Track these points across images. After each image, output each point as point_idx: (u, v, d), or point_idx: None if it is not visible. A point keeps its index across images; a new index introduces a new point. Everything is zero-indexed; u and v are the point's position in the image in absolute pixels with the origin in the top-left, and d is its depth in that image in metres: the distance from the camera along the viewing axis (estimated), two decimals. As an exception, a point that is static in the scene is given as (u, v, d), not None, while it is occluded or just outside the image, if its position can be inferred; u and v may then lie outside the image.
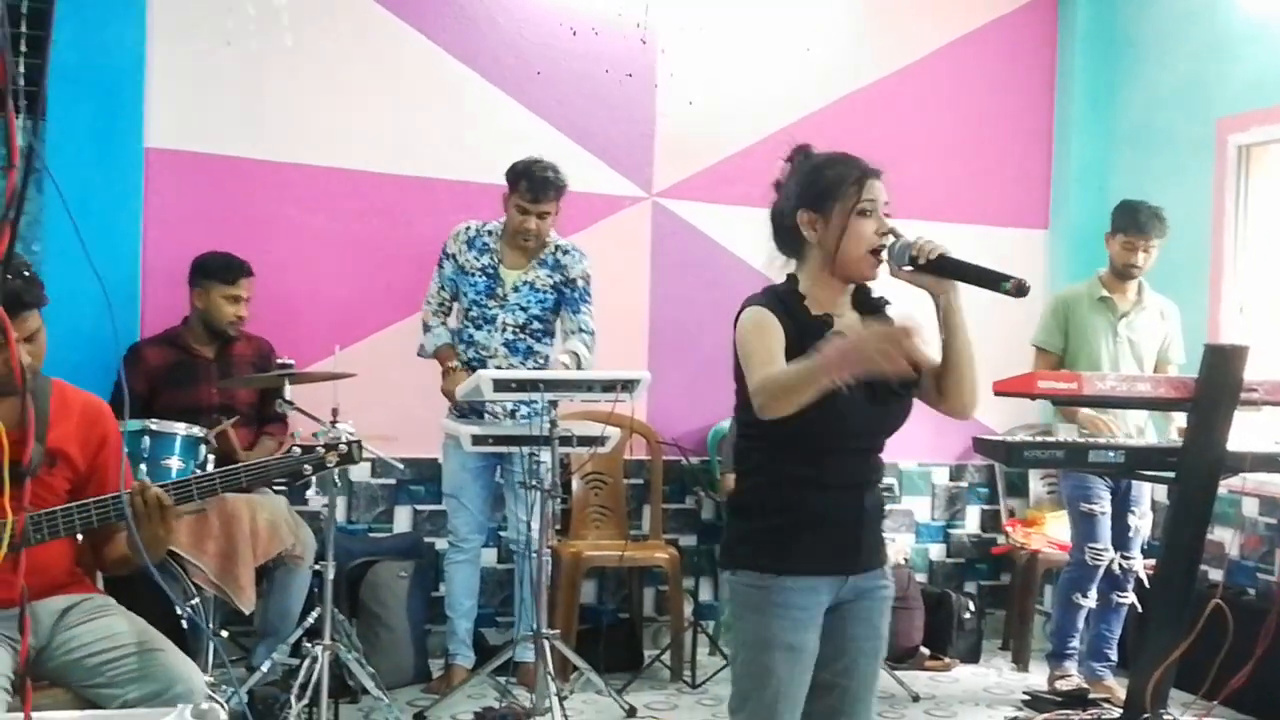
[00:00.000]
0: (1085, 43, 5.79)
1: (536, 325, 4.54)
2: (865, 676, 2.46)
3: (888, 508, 4.67)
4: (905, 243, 2.31)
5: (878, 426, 2.40)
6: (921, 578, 5.64)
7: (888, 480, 4.56)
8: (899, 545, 5.45)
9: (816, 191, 2.38)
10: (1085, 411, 4.46)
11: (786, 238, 2.46)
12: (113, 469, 2.84)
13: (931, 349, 2.39)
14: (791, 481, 2.35)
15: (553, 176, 4.39)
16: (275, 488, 4.27)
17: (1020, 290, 2.24)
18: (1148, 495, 4.74)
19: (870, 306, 2.47)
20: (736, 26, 5.45)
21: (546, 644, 4.01)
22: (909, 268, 2.30)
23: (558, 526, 4.72)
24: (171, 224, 4.68)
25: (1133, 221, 4.59)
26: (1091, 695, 4.56)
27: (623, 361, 4.85)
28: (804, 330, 2.32)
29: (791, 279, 2.45)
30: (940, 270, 2.30)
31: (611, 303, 4.98)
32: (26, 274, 2.62)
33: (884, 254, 2.34)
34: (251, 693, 3.95)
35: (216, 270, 4.31)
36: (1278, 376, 3.93)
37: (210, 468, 3.81)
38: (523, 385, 3.95)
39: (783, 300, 2.39)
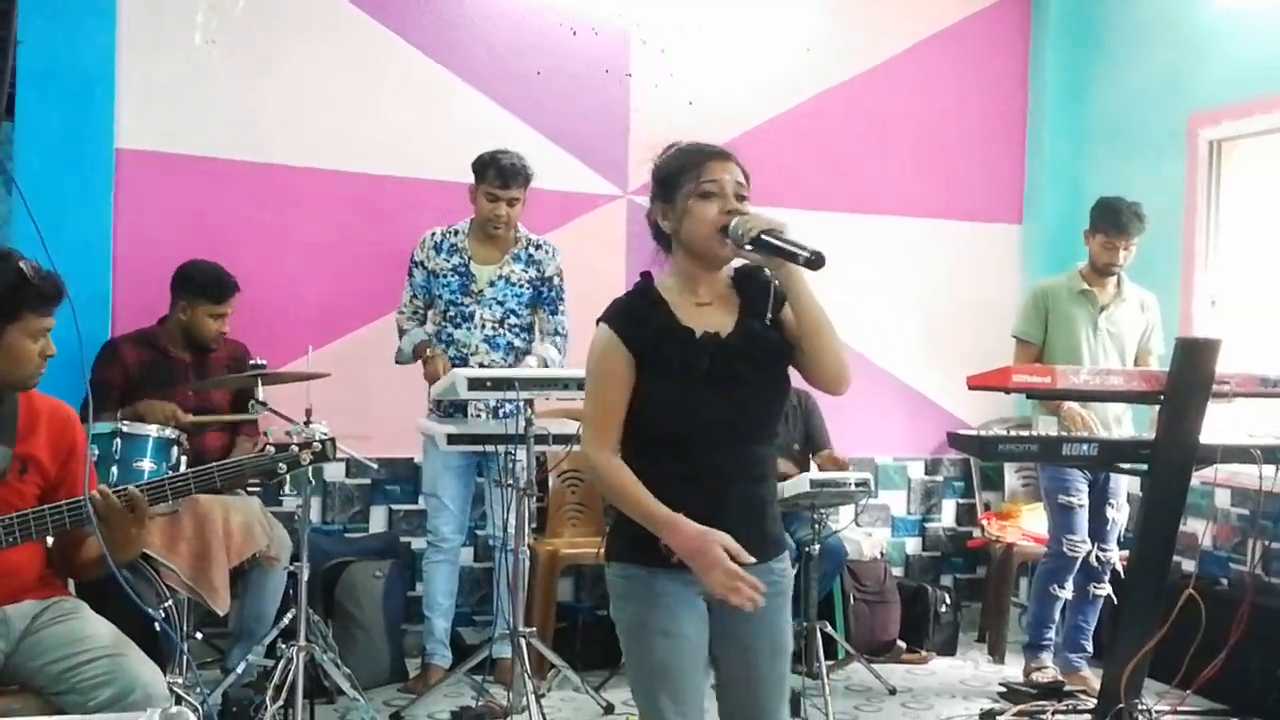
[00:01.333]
0: (1058, 38, 5.82)
1: (514, 320, 4.54)
2: (766, 676, 2.43)
3: (865, 502, 4.71)
4: (739, 222, 2.31)
5: (731, 417, 2.36)
6: (898, 571, 5.66)
7: (862, 475, 4.56)
8: (875, 539, 5.47)
9: (663, 182, 2.43)
10: (1067, 406, 4.48)
11: (659, 235, 2.49)
12: (83, 474, 2.82)
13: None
14: (656, 476, 2.34)
15: (519, 164, 4.43)
16: (249, 488, 4.25)
17: (812, 263, 2.23)
18: (1124, 488, 4.77)
19: (756, 297, 2.42)
20: (713, 25, 5.45)
21: (523, 642, 4.01)
22: (748, 247, 2.30)
23: (534, 525, 4.71)
24: (143, 225, 4.65)
25: (1113, 222, 4.60)
26: (1067, 687, 4.59)
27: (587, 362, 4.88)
28: (661, 338, 2.36)
29: (646, 277, 2.47)
30: (760, 247, 2.29)
31: (587, 300, 4.94)
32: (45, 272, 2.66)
33: (728, 235, 2.33)
34: (226, 694, 3.93)
35: (207, 288, 4.24)
36: (1249, 369, 3.96)
37: (183, 469, 3.79)
38: (498, 384, 3.94)
39: (637, 309, 2.41)
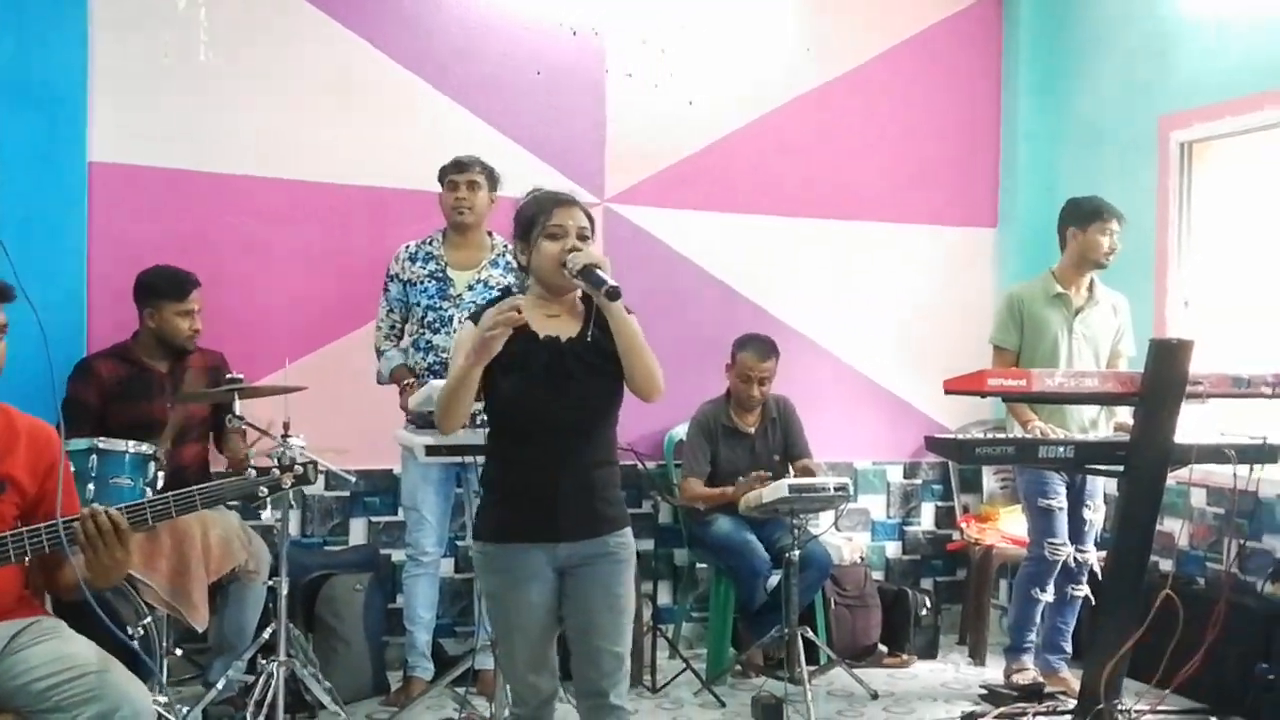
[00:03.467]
0: (1030, 42, 5.86)
1: None
2: (605, 628, 2.85)
3: (845, 506, 4.72)
4: (572, 257, 2.77)
5: (563, 409, 2.77)
6: (878, 575, 5.68)
7: (841, 479, 4.58)
8: (856, 544, 5.48)
9: (521, 224, 2.90)
10: (1033, 424, 4.49)
11: (521, 267, 2.96)
12: (63, 494, 2.80)
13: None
14: (502, 462, 2.87)
15: (472, 158, 4.56)
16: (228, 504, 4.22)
17: (611, 294, 2.70)
18: (1101, 489, 4.80)
19: (598, 317, 2.83)
20: (687, 32, 5.46)
21: (505, 653, 4.00)
22: (576, 279, 2.76)
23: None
24: (117, 238, 4.62)
25: (1095, 210, 4.63)
26: (1047, 688, 4.61)
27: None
28: (518, 340, 2.75)
29: (506, 291, 3.04)
30: (583, 277, 2.75)
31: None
32: None
33: (566, 269, 2.77)
34: (207, 711, 3.92)
35: (166, 288, 4.25)
36: (1222, 370, 3.99)
37: (160, 484, 3.77)
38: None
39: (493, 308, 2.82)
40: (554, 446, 2.79)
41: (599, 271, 2.76)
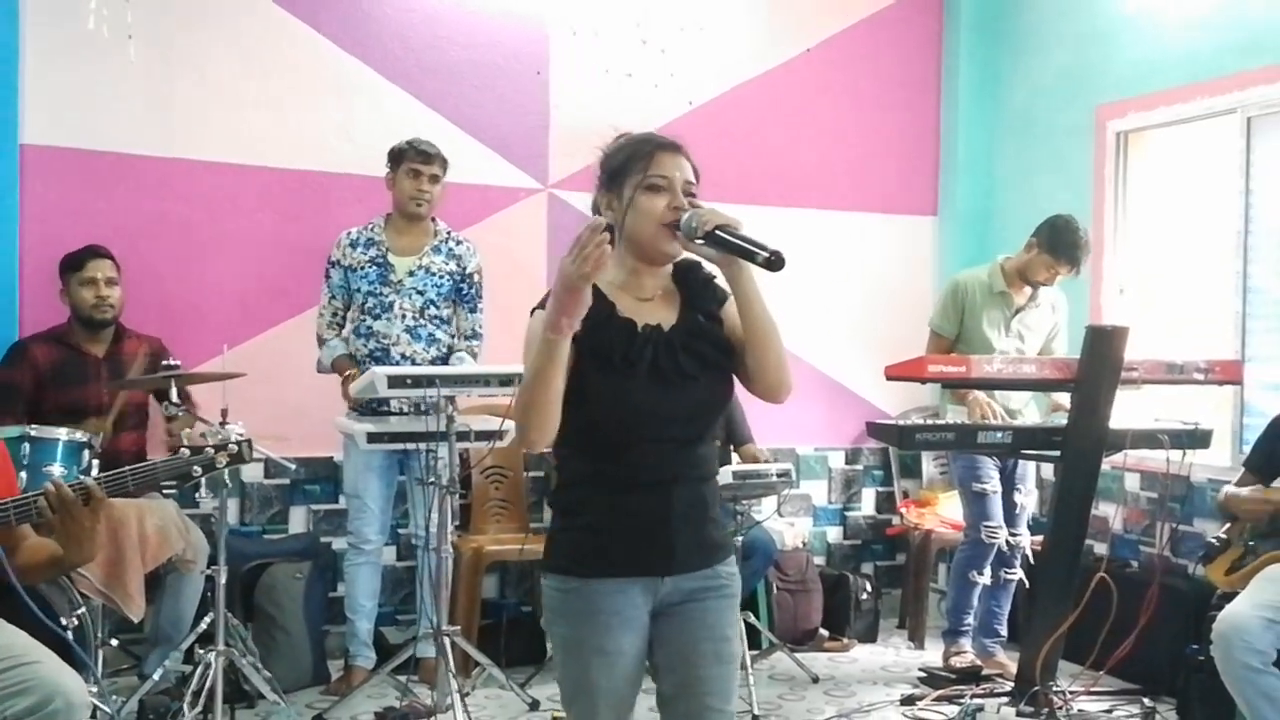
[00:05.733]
0: (971, 31, 5.91)
1: (434, 311, 4.51)
2: (712, 684, 2.29)
3: (787, 492, 4.75)
4: (692, 215, 2.20)
5: (675, 414, 2.22)
6: (819, 560, 5.73)
7: (783, 465, 4.61)
8: (797, 529, 5.52)
9: (609, 172, 2.32)
10: (973, 395, 4.56)
11: None
12: (9, 475, 2.76)
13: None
14: (592, 480, 2.24)
15: (436, 148, 4.52)
16: (164, 491, 4.18)
17: (772, 264, 2.11)
18: (1033, 473, 4.88)
19: (699, 292, 2.34)
20: (630, 17, 5.45)
21: (447, 640, 3.99)
22: (699, 241, 2.19)
23: (458, 522, 4.68)
24: (50, 222, 4.53)
25: (1068, 255, 4.52)
26: (985, 671, 4.67)
27: (521, 353, 4.84)
28: (601, 329, 2.20)
29: None
30: (715, 243, 2.18)
31: (508, 295, 4.94)
32: None
33: (680, 229, 2.21)
34: (143, 702, 3.86)
35: (67, 263, 4.23)
36: (1156, 356, 4.07)
37: (95, 473, 3.71)
38: (418, 381, 3.92)
39: None
40: (660, 458, 2.23)
41: (742, 233, 2.17)
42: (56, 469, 3.60)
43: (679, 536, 2.23)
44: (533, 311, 2.25)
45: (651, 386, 2.21)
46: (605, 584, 2.23)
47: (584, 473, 2.27)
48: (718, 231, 2.16)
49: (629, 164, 2.28)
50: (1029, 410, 4.79)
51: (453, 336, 4.59)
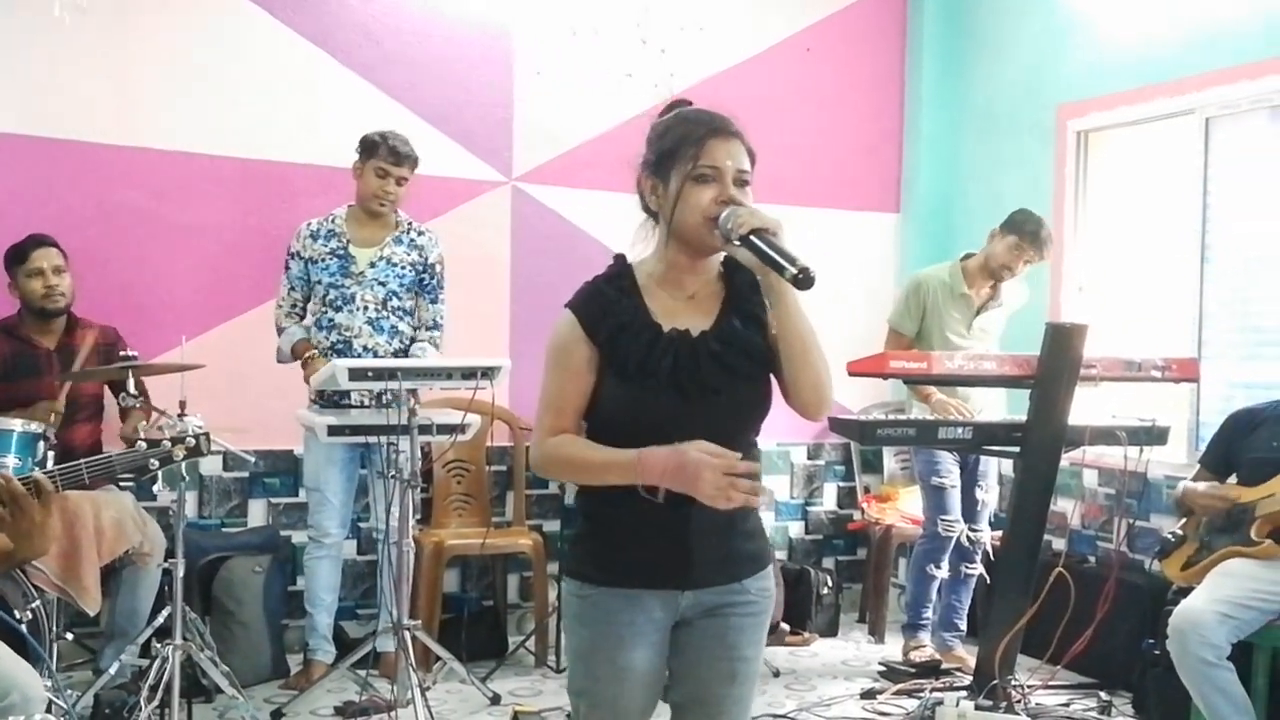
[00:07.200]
0: (934, 30, 5.94)
1: (396, 303, 4.48)
2: (723, 704, 2.20)
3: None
4: (730, 214, 2.04)
5: (694, 427, 2.02)
6: (781, 555, 5.75)
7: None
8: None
9: (658, 155, 2.14)
10: (937, 397, 4.59)
11: (647, 208, 2.22)
12: None
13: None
14: (614, 491, 2.09)
15: (410, 148, 4.46)
16: (121, 484, 4.12)
17: (799, 281, 2.01)
18: (994, 470, 4.91)
19: (743, 293, 2.20)
20: (595, 12, 5.43)
21: (408, 635, 3.97)
22: (735, 243, 2.05)
23: (419, 516, 4.67)
24: (2, 212, 4.45)
25: (1033, 237, 4.60)
26: (944, 665, 4.71)
27: (485, 346, 4.83)
28: (623, 333, 2.10)
29: (620, 261, 2.22)
30: (749, 248, 2.04)
31: (472, 287, 4.95)
32: None
33: (719, 230, 2.06)
34: (99, 696, 3.82)
35: (11, 255, 4.17)
36: (1114, 353, 4.10)
37: (50, 465, 3.66)
38: (380, 373, 3.89)
39: (605, 296, 2.15)
40: None
41: (775, 243, 2.03)
42: (11, 460, 3.55)
43: (698, 550, 2.12)
44: (566, 306, 2.15)
45: (670, 397, 2.08)
46: (620, 593, 2.15)
47: (604, 485, 2.14)
48: (751, 237, 2.03)
49: (679, 149, 2.10)
50: (994, 406, 4.80)
51: (415, 328, 4.56)
